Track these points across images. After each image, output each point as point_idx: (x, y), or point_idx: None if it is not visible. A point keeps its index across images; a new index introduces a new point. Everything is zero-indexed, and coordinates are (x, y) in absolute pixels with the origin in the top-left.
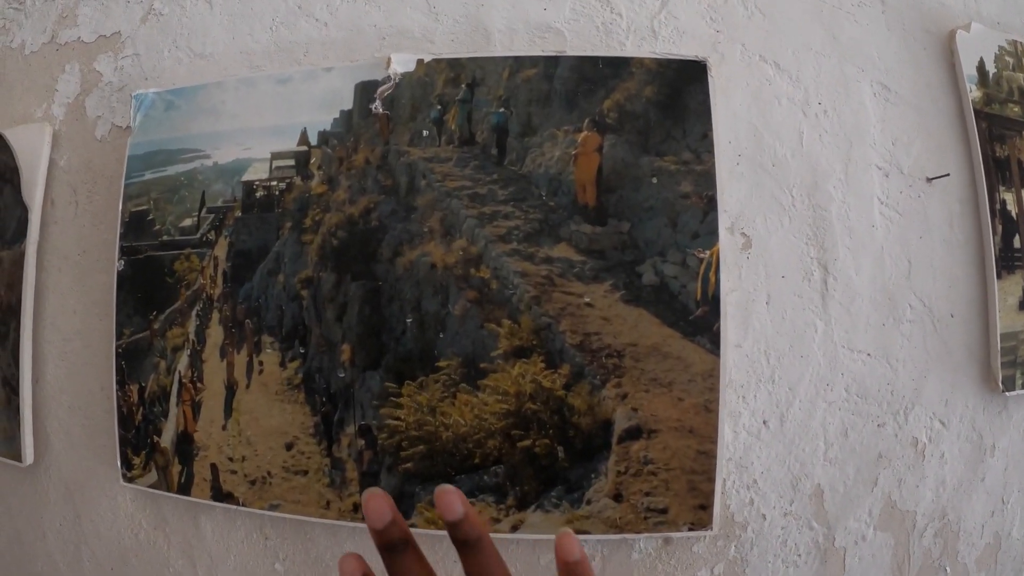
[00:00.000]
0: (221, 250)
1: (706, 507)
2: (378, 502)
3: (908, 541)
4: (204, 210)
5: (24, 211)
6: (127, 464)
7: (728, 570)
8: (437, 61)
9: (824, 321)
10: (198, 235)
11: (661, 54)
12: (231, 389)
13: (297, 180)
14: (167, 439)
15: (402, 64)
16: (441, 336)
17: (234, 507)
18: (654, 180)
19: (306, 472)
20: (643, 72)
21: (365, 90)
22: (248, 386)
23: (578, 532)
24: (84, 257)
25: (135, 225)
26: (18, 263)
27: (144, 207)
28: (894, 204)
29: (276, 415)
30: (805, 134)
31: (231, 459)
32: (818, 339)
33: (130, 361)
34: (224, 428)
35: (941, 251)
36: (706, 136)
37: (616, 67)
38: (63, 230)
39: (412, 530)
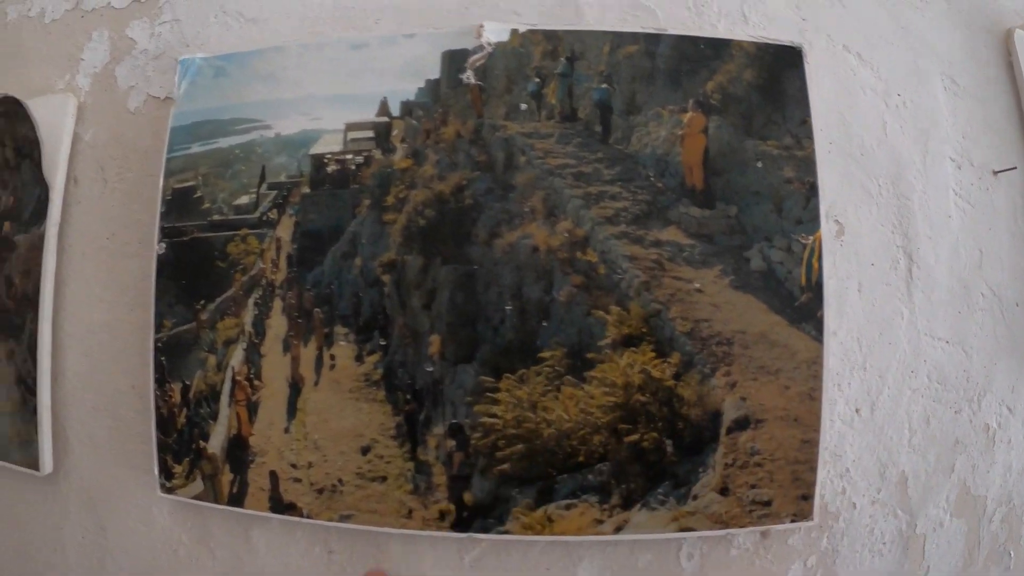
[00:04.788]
0: (285, 230)
1: (808, 497)
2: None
3: (979, 527)
4: (264, 186)
5: (43, 190)
6: (166, 473)
7: (819, 562)
8: (532, 32)
9: (909, 309)
10: (257, 214)
11: (758, 38)
12: (296, 387)
13: (377, 153)
14: (216, 444)
15: (495, 33)
16: (544, 325)
17: (295, 519)
18: (759, 164)
19: (384, 478)
20: (743, 55)
21: (453, 59)
22: (317, 383)
23: (683, 529)
24: (113, 240)
25: (179, 203)
26: (36, 248)
27: (190, 183)
28: (966, 195)
29: (350, 415)
30: (888, 124)
31: (294, 466)
32: (904, 326)
33: (172, 356)
34: (287, 431)
35: (1008, 242)
36: (804, 122)
37: (716, 48)
38: (88, 211)
39: (506, 536)
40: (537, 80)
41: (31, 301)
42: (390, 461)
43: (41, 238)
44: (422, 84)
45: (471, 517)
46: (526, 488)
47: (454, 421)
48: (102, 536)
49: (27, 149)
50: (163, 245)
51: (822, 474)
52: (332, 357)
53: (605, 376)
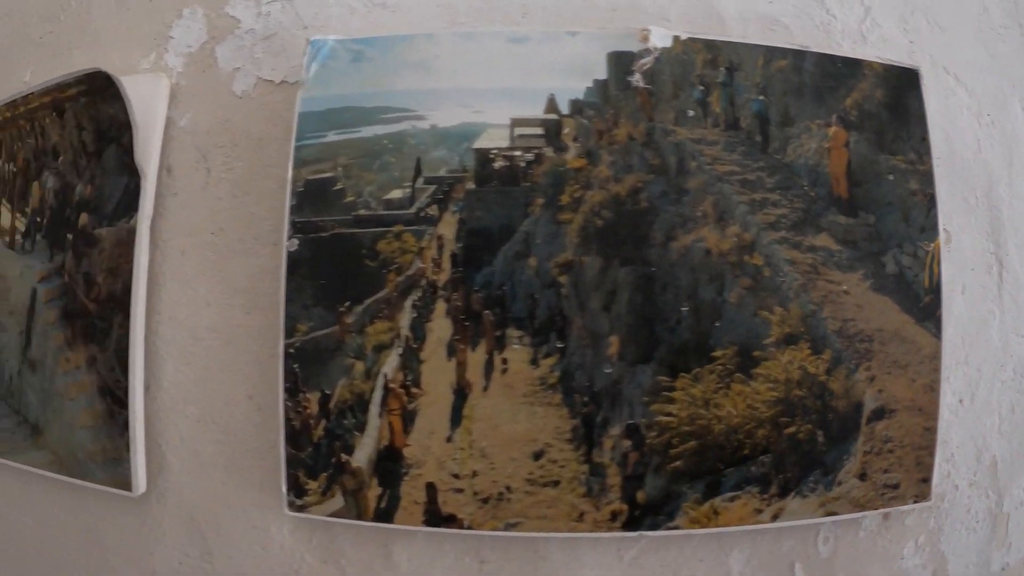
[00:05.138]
0: (448, 228)
1: (927, 480)
2: None
3: None
4: (420, 180)
5: (131, 179)
6: (297, 490)
7: (927, 540)
8: (693, 40)
9: (1000, 309)
10: (412, 209)
11: (877, 58)
12: (462, 393)
13: (548, 151)
14: (362, 457)
15: (660, 39)
16: (717, 325)
17: (441, 531)
18: (890, 177)
19: (557, 483)
20: (873, 75)
21: (620, 61)
22: (486, 389)
23: (828, 513)
24: (220, 236)
25: (314, 196)
26: (124, 243)
27: (328, 174)
28: None
29: (523, 420)
30: (981, 142)
31: (457, 476)
32: (996, 325)
33: (307, 363)
34: (449, 440)
35: None
36: (924, 139)
37: (851, 67)
38: (186, 203)
39: (675, 531)
40: (701, 88)
41: (119, 303)
42: (564, 465)
43: (130, 232)
44: (590, 84)
45: (642, 515)
46: (696, 483)
47: (631, 422)
48: (206, 560)
49: (113, 133)
50: (295, 241)
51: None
52: (504, 361)
53: (769, 373)
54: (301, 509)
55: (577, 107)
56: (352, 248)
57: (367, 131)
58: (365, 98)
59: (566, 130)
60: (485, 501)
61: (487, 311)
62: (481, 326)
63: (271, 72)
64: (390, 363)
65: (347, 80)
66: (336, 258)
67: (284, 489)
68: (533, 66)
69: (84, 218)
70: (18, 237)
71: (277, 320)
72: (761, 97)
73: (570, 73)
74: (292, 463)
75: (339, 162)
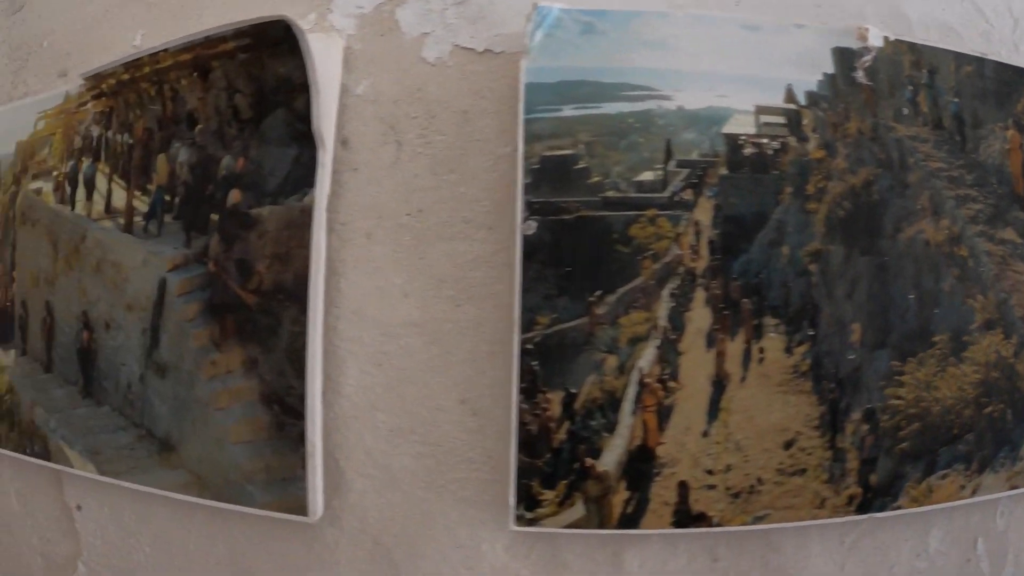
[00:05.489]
0: (704, 213)
1: None
2: None
3: None
4: (672, 163)
5: (302, 151)
6: (528, 502)
7: None
8: (899, 42)
9: None
10: (666, 193)
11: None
12: (720, 385)
13: (792, 141)
14: (610, 460)
15: (875, 39)
16: (936, 312)
17: (674, 531)
18: None
19: (804, 471)
20: None
21: (843, 56)
22: (743, 379)
23: (1013, 487)
24: (419, 219)
25: (553, 174)
26: (293, 225)
27: (568, 151)
28: None
29: (777, 410)
30: None
31: (710, 472)
32: None
33: (549, 360)
34: (705, 434)
35: None
36: None
37: (1021, 75)
38: (372, 180)
39: (899, 511)
40: (911, 88)
41: (288, 295)
42: (811, 452)
43: (303, 212)
44: (820, 76)
45: (873, 498)
46: (917, 463)
47: (868, 406)
48: None
49: (281, 96)
50: (533, 223)
51: None
52: (761, 350)
53: (974, 356)
54: (532, 523)
55: (813, 99)
56: (602, 233)
57: (608, 107)
58: (603, 73)
59: (805, 121)
60: (736, 496)
61: (745, 299)
62: (740, 314)
63: (470, 40)
64: (646, 356)
65: (579, 52)
66: (583, 243)
67: (512, 502)
68: (769, 55)
69: (236, 195)
70: (138, 219)
71: (501, 312)
72: (957, 99)
73: (802, 65)
74: (524, 472)
75: (580, 139)
